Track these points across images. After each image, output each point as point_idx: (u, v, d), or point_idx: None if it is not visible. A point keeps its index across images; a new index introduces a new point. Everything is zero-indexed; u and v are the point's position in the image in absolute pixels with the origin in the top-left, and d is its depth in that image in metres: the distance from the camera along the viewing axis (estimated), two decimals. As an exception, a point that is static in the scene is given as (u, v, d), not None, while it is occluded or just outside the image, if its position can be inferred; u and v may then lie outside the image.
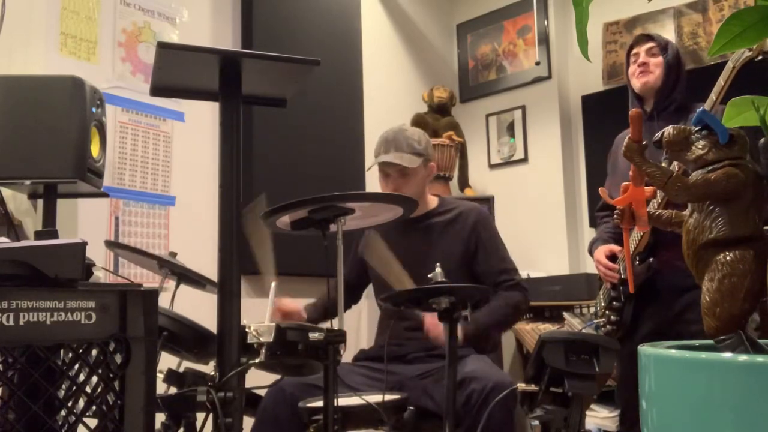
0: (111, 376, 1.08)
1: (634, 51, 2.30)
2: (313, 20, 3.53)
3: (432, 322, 2.04)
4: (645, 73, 2.24)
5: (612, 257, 2.25)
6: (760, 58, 1.72)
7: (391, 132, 2.30)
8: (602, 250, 2.27)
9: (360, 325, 3.52)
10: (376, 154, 2.30)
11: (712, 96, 1.90)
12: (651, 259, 2.10)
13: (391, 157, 2.23)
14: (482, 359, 2.15)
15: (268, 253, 2.00)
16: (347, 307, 2.49)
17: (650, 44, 2.26)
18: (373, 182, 3.55)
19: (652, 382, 0.85)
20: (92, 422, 1.09)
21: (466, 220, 2.28)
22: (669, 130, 1.00)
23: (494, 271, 2.24)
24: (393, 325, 2.14)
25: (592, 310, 2.92)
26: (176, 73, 1.43)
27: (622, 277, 2.17)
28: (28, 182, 2.03)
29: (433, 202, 2.36)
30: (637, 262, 2.12)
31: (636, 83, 2.27)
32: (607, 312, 2.22)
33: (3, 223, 2.04)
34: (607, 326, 2.20)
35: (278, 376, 2.02)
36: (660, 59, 2.23)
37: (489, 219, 2.36)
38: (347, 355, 1.77)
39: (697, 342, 0.99)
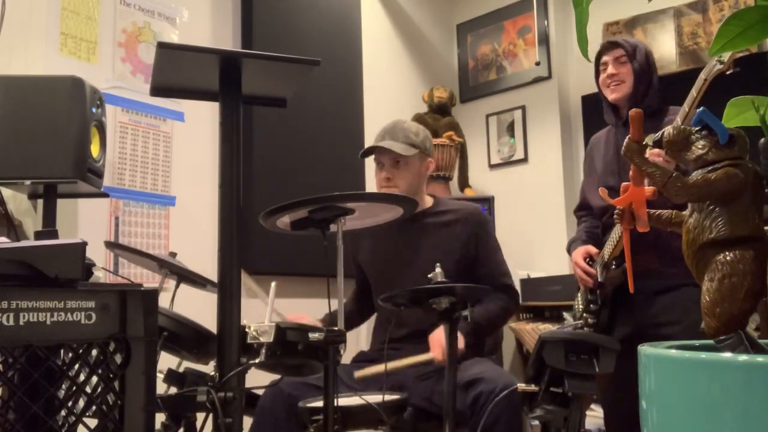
0: (111, 376, 1.08)
1: (603, 59, 2.27)
2: (313, 20, 3.53)
3: (437, 341, 2.03)
4: (616, 85, 2.22)
5: (590, 259, 2.25)
6: (730, 71, 1.71)
7: (390, 123, 2.30)
8: (580, 252, 2.26)
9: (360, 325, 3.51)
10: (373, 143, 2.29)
11: (685, 107, 1.89)
12: (624, 264, 2.11)
13: (384, 144, 2.22)
14: (487, 362, 2.14)
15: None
16: (365, 316, 2.49)
17: (618, 52, 2.22)
18: (373, 182, 3.56)
19: (652, 382, 0.85)
20: (92, 422, 1.09)
21: (465, 223, 2.25)
22: (669, 130, 1.00)
23: (494, 274, 2.24)
24: (391, 329, 2.13)
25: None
26: (176, 73, 1.43)
27: (599, 280, 2.17)
28: (28, 182, 2.02)
29: (428, 201, 2.34)
30: (614, 266, 2.13)
31: (609, 95, 2.25)
32: (584, 314, 2.22)
33: (3, 223, 2.04)
34: (585, 328, 2.21)
35: (277, 376, 2.02)
36: (629, 67, 2.19)
37: (488, 222, 2.37)
38: (347, 356, 1.77)
39: (697, 342, 0.99)
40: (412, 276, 2.18)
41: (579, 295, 2.31)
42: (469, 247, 2.24)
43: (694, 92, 1.85)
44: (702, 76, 1.80)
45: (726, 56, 1.70)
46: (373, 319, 2.49)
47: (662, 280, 2.08)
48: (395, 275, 2.26)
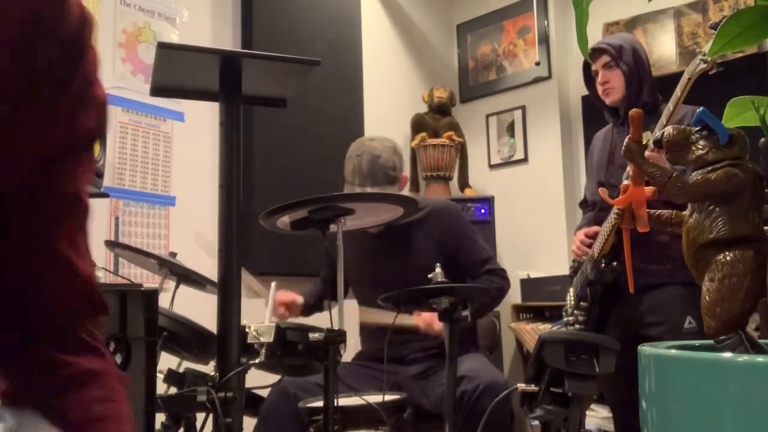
0: (111, 376, 1.08)
1: (593, 68, 2.29)
2: (313, 20, 3.53)
3: (426, 321, 2.05)
4: (608, 91, 2.24)
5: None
6: (714, 71, 1.72)
7: (366, 161, 2.15)
8: (584, 230, 2.29)
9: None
10: (350, 182, 2.18)
11: (669, 106, 1.90)
12: (614, 263, 2.12)
13: (368, 190, 2.13)
14: (478, 358, 2.15)
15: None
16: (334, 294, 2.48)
17: (605, 58, 2.23)
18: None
19: (652, 382, 0.85)
20: (92, 422, 1.09)
21: (438, 219, 2.24)
22: (669, 130, 1.00)
23: (477, 262, 2.25)
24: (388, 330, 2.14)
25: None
26: (176, 73, 1.43)
27: (590, 278, 2.18)
28: (28, 182, 2.02)
29: None
30: (604, 264, 2.14)
31: (605, 100, 2.28)
32: (575, 312, 2.24)
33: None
34: (576, 325, 2.23)
35: (279, 377, 2.02)
36: (618, 72, 2.21)
37: (460, 214, 2.35)
38: (346, 356, 1.77)
39: (697, 342, 0.99)
40: (393, 280, 2.11)
41: (570, 291, 2.33)
42: (445, 242, 2.23)
43: (678, 91, 1.87)
44: (686, 75, 1.82)
45: (708, 54, 1.71)
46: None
47: (647, 277, 2.09)
48: (373, 279, 2.25)
